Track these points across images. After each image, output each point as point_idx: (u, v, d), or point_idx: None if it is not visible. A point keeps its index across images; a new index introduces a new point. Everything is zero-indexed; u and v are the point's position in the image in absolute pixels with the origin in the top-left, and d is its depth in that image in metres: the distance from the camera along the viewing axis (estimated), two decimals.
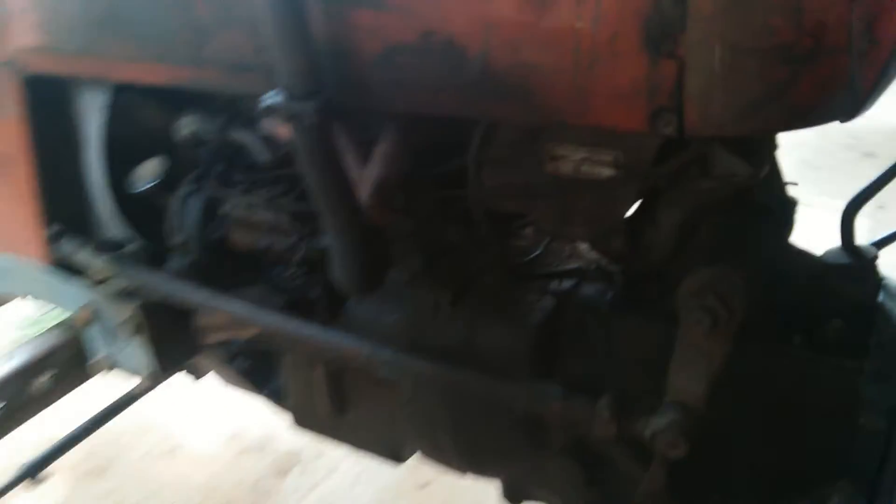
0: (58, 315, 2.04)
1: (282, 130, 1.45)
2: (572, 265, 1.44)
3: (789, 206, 1.27)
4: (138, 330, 1.71)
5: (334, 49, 1.12)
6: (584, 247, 1.50)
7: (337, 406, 1.73)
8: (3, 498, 2.21)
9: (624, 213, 1.26)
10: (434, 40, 1.06)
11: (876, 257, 1.28)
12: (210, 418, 3.24)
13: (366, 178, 1.34)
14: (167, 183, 1.68)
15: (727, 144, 1.16)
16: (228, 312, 1.55)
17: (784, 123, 0.95)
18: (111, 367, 1.88)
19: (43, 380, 2.00)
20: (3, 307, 2.53)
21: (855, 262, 1.23)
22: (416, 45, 1.08)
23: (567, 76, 0.98)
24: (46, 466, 2.28)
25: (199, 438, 3.17)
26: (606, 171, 1.21)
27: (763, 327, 1.20)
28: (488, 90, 1.03)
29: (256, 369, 1.95)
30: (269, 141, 1.57)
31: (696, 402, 1.10)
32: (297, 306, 1.61)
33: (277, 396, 1.95)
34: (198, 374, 2.16)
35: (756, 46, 0.88)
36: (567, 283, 1.41)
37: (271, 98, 1.10)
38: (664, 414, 1.11)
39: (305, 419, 1.85)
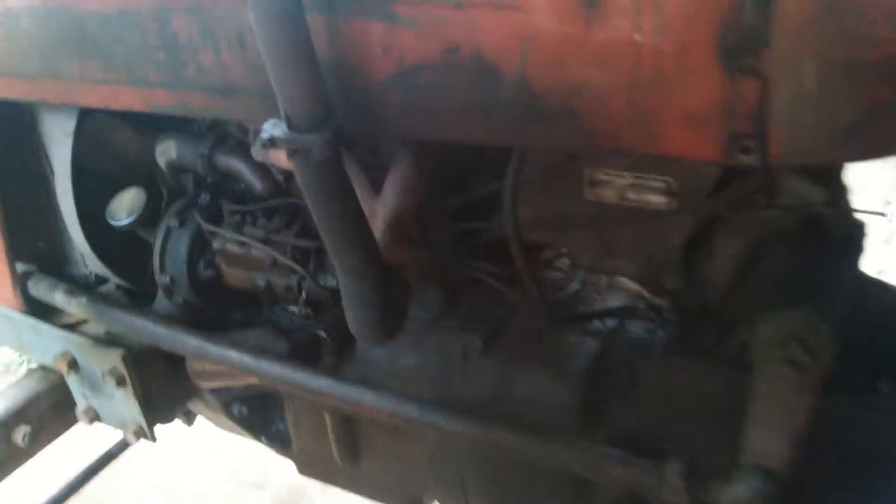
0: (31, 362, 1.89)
1: (277, 156, 1.32)
2: (616, 302, 1.31)
3: (858, 231, 1.14)
4: (123, 381, 1.57)
5: (341, 69, 0.99)
6: (624, 279, 1.37)
7: (348, 455, 1.60)
8: None
9: (678, 246, 1.14)
10: (460, 57, 0.93)
11: None
12: (207, 452, 3.10)
13: (378, 211, 1.22)
14: (148, 215, 1.54)
15: (798, 167, 1.04)
16: (226, 361, 1.42)
17: (886, 149, 0.82)
18: (94, 419, 1.74)
19: (21, 433, 1.85)
20: None
21: None
22: (439, 63, 0.94)
23: (624, 97, 0.85)
24: None
25: (196, 474, 3.03)
26: (657, 199, 1.10)
27: (844, 372, 1.08)
28: (526, 113, 0.91)
29: (255, 414, 1.82)
30: (263, 168, 1.43)
31: (780, 465, 0.98)
32: (302, 350, 1.48)
33: (280, 442, 1.82)
34: (189, 419, 2.03)
35: (855, 60, 0.74)
36: (611, 323, 1.28)
37: (271, 129, 0.97)
38: (744, 480, 0.99)
39: (313, 468, 1.73)
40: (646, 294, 1.34)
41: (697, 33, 0.79)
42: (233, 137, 1.45)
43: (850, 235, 1.11)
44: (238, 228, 1.47)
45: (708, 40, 0.79)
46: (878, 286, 1.17)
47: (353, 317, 1.15)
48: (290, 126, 0.96)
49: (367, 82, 0.99)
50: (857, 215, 1.13)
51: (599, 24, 0.84)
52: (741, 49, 0.76)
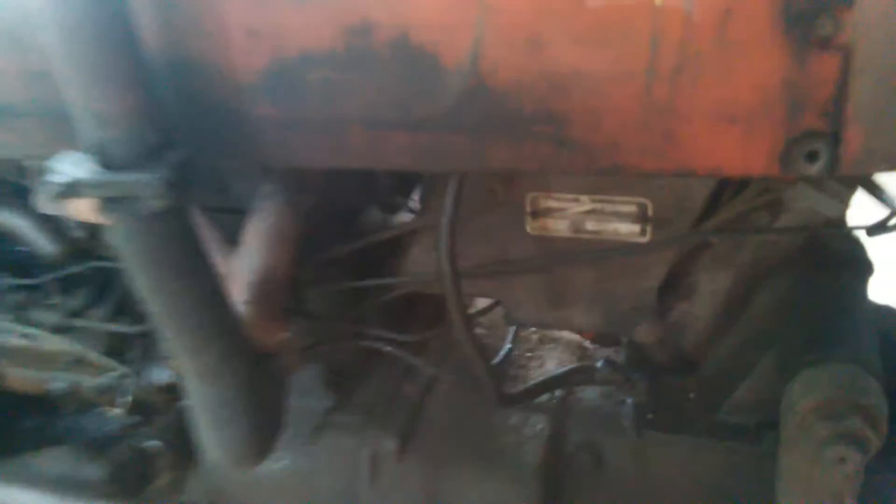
0: None
1: (80, 206, 0.95)
2: (556, 360, 1.06)
3: (860, 250, 0.97)
4: None
5: (183, 69, 0.72)
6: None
7: None
8: None
9: (652, 288, 0.92)
10: (374, 42, 0.64)
11: None
12: None
13: (237, 275, 0.90)
14: None
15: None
16: None
17: None
18: None
19: None
20: None
21: None
22: (340, 53, 0.66)
23: (634, 92, 0.59)
24: None
25: None
26: (626, 229, 0.89)
27: None
28: (481, 123, 0.64)
29: None
30: (53, 222, 1.09)
31: None
32: (127, 471, 1.14)
33: None
34: None
35: None
36: (561, 392, 1.03)
37: (71, 169, 0.63)
38: None
39: None
40: (588, 345, 1.10)
41: None
42: (3, 182, 1.05)
43: (856, 256, 0.93)
44: (20, 312, 1.12)
45: (765, 1, 0.57)
46: (891, 314, 1.00)
47: (214, 438, 0.85)
48: (102, 162, 0.63)
49: (223, 87, 0.70)
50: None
51: None
52: (813, 12, 0.57)
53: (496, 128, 0.66)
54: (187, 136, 0.71)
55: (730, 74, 0.60)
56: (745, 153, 0.63)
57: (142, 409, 1.14)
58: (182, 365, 0.80)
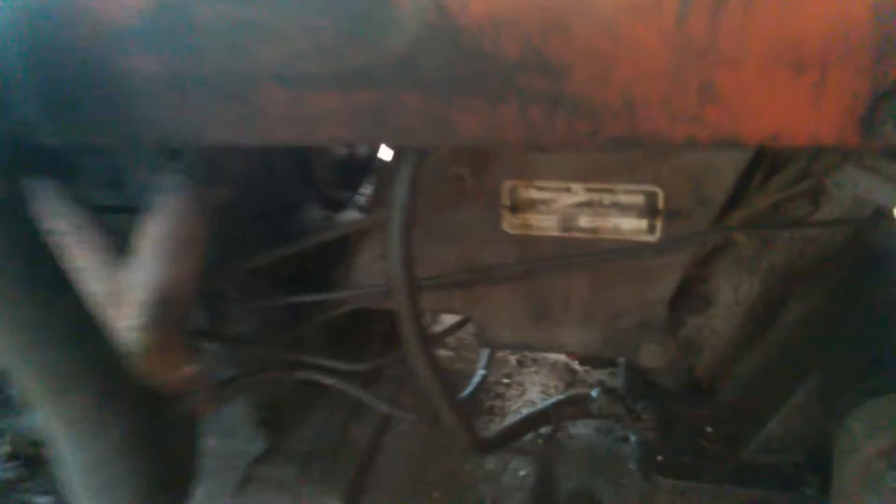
0: None
1: None
2: (538, 388, 0.91)
3: None
4: None
5: (27, 11, 0.49)
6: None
7: None
8: None
9: (664, 299, 0.77)
10: None
11: None
12: None
13: (127, 292, 0.73)
14: None
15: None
16: None
17: None
18: None
19: None
20: None
21: None
22: None
23: (661, 26, 0.45)
24: None
25: None
26: (630, 225, 0.75)
27: None
28: (445, 76, 0.47)
29: None
30: None
31: None
32: None
33: None
34: None
35: None
36: (547, 429, 0.87)
37: None
38: None
39: None
40: (576, 367, 0.95)
41: None
42: None
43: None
44: None
45: None
46: None
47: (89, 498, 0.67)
48: None
49: (89, 32, 0.55)
50: None
51: None
52: None
53: (466, 82, 0.50)
54: (37, 102, 0.54)
55: (791, 10, 0.45)
56: (814, 114, 0.48)
57: (26, 458, 0.96)
58: (42, 411, 0.63)
